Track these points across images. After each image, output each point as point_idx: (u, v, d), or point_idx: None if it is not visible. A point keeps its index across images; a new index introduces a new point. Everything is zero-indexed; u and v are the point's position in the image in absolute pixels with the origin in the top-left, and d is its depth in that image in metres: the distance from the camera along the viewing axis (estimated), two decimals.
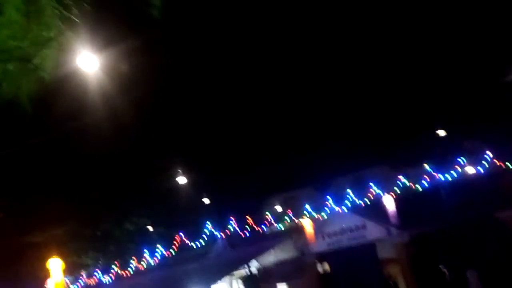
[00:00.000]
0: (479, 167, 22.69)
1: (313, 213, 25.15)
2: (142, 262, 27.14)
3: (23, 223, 21.84)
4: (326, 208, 25.11)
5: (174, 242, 26.44)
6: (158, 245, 27.06)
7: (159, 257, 26.86)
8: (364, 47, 21.18)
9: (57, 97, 10.19)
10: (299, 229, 25.52)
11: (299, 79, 22.17)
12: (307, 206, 25.10)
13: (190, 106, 20.60)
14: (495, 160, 22.90)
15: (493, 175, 22.53)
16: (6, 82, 6.69)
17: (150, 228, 30.13)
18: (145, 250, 27.27)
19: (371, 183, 24.19)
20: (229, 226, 25.64)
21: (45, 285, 20.63)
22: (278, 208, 27.83)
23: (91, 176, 24.11)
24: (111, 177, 24.92)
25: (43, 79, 7.00)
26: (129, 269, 27.37)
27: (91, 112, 11.11)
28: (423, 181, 23.19)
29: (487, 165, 22.65)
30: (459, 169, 22.17)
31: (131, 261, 27.33)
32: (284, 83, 22.17)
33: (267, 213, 26.37)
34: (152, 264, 27.17)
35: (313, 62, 21.22)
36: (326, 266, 27.33)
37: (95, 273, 28.09)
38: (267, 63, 19.71)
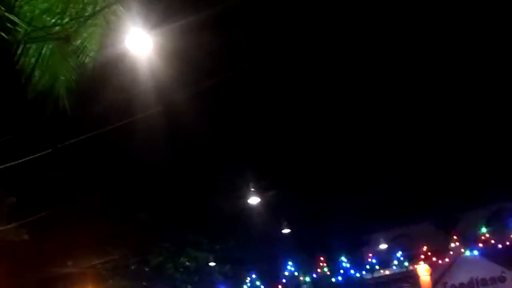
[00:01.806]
0: None
1: (433, 257, 24.84)
2: None
3: (53, 249, 22.70)
4: (450, 251, 24.76)
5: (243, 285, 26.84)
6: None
7: None
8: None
9: (101, 87, 10.59)
10: (413, 277, 25.33)
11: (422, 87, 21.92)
12: (424, 247, 24.79)
13: (271, 102, 20.38)
14: None
15: None
16: (40, 70, 6.86)
17: (212, 264, 30.33)
18: None
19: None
20: (317, 269, 25.71)
21: None
22: (384, 248, 27.51)
23: (141, 192, 24.50)
24: (166, 194, 25.25)
25: (84, 65, 7.18)
26: None
27: (142, 107, 11.49)
28: None
29: None
30: None
31: None
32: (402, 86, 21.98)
33: (369, 254, 26.15)
34: None
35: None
36: None
37: None
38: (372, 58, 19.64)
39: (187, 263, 29.65)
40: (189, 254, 29.53)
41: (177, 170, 23.23)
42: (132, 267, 29.35)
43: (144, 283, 29.64)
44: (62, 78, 7.04)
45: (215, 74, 13.45)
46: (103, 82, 9.91)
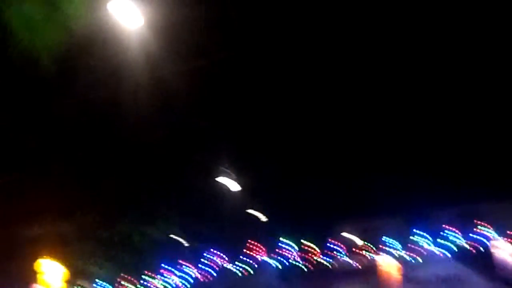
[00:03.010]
0: None
1: (400, 252, 24.45)
2: (162, 283, 27.03)
3: (20, 213, 21.90)
4: (417, 247, 24.39)
5: (209, 261, 26.22)
6: (186, 263, 26.89)
7: (186, 278, 26.71)
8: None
9: (86, 57, 9.95)
10: (378, 270, 24.96)
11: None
12: (392, 241, 24.37)
13: (259, 83, 19.74)
14: None
15: None
16: (26, 32, 6.37)
17: (180, 240, 29.66)
18: (169, 267, 27.18)
19: (482, 222, 23.21)
20: (283, 253, 25.12)
21: None
22: (352, 239, 27.11)
23: (116, 162, 23.75)
24: (141, 167, 24.53)
25: (70, 31, 6.63)
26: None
27: (126, 78, 10.85)
28: None
29: None
30: None
31: (147, 277, 27.21)
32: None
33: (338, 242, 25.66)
34: (175, 285, 27.08)
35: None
36: None
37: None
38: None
39: (154, 234, 29.00)
40: (157, 226, 28.89)
41: (157, 144, 22.58)
42: (98, 233, 28.60)
43: (107, 249, 28.88)
44: (48, 42, 6.50)
45: (205, 48, 12.73)
46: (88, 51, 9.14)
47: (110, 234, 27.81)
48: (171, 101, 17.31)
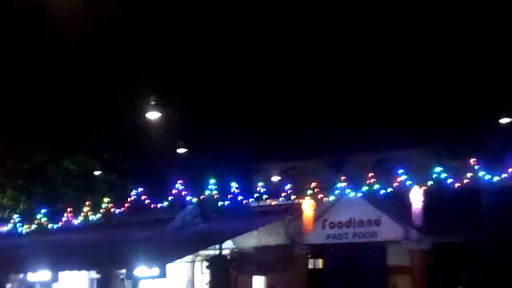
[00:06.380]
0: None
1: (318, 194, 23.80)
2: (78, 216, 25.35)
3: None
4: (336, 190, 23.80)
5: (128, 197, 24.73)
6: (104, 198, 25.27)
7: (101, 214, 25.15)
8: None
9: None
10: (296, 211, 24.40)
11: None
12: (312, 183, 23.65)
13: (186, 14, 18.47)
14: None
15: None
16: None
17: (98, 173, 27.97)
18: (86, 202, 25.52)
19: (399, 168, 22.99)
20: (205, 190, 23.98)
21: None
22: (274, 179, 26.39)
23: (30, 81, 21.76)
24: (59, 90, 22.61)
25: None
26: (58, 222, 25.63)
27: None
28: (465, 179, 21.88)
29: None
30: None
31: (64, 212, 25.53)
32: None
33: (259, 182, 24.74)
34: (91, 220, 25.53)
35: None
36: (319, 263, 27.22)
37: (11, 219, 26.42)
38: None
39: (71, 166, 27.33)
40: (74, 158, 27.19)
41: (79, 66, 20.84)
42: (8, 163, 26.74)
43: (20, 182, 27.08)
44: None
45: None
46: None
47: (23, 164, 26.10)
48: (103, 22, 15.83)
